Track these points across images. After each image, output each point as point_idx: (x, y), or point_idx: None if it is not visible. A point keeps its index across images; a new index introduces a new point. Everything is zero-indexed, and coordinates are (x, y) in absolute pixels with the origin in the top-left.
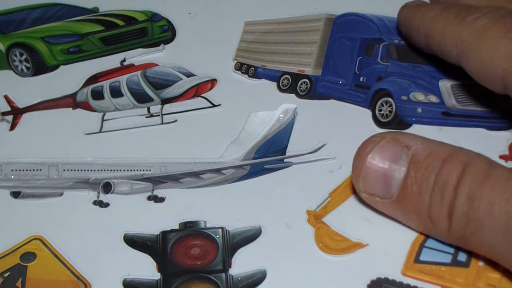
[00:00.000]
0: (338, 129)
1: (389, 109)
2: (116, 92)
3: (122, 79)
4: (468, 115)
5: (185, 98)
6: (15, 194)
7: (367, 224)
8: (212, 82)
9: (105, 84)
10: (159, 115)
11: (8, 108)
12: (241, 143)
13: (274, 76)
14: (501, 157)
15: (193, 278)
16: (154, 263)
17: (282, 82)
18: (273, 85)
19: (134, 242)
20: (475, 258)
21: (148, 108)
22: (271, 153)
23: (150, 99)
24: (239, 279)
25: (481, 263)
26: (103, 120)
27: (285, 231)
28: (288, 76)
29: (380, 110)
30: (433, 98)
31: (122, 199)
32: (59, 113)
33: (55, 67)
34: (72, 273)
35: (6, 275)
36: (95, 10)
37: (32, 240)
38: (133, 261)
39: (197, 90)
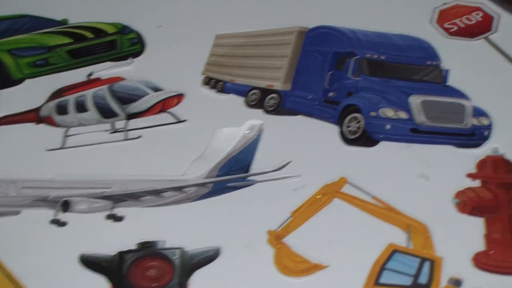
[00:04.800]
0: (304, 146)
1: (357, 125)
2: (81, 107)
3: (88, 94)
4: (437, 132)
5: (151, 113)
6: None
7: (328, 245)
8: (179, 97)
9: (71, 98)
10: (123, 131)
11: None
12: (205, 160)
13: (242, 91)
14: (469, 175)
15: None
16: (110, 285)
17: (251, 97)
18: (241, 100)
19: (90, 262)
20: (436, 280)
21: (113, 124)
22: (235, 171)
23: (115, 114)
24: None
25: (442, 285)
26: (66, 135)
27: (244, 252)
28: (256, 91)
29: (348, 127)
30: (403, 114)
31: (80, 218)
32: (22, 128)
33: (21, 81)
34: None
35: None
36: (64, 22)
37: None
38: (88, 283)
39: (163, 105)
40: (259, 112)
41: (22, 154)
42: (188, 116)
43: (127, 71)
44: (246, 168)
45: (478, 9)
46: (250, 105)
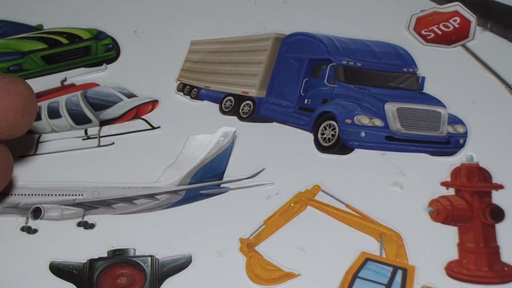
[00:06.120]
0: (278, 153)
1: (332, 132)
2: (54, 113)
3: (61, 100)
4: (412, 140)
5: (124, 119)
6: None
7: (300, 253)
8: (153, 103)
9: (43, 104)
10: (96, 138)
11: None
12: (178, 167)
13: (217, 97)
14: (443, 183)
15: None
16: None
17: (225, 104)
18: (215, 107)
19: (60, 270)
20: None
21: (86, 130)
22: (208, 178)
23: (89, 121)
24: None
25: None
26: (38, 142)
27: (216, 259)
28: (231, 98)
29: (323, 134)
30: (378, 122)
31: (51, 225)
32: None
33: None
34: None
35: None
36: (39, 28)
37: None
38: None
39: (137, 112)
40: (233, 119)
41: None
42: (162, 122)
43: (102, 77)
44: (219, 175)
45: (455, 13)
46: (225, 112)
